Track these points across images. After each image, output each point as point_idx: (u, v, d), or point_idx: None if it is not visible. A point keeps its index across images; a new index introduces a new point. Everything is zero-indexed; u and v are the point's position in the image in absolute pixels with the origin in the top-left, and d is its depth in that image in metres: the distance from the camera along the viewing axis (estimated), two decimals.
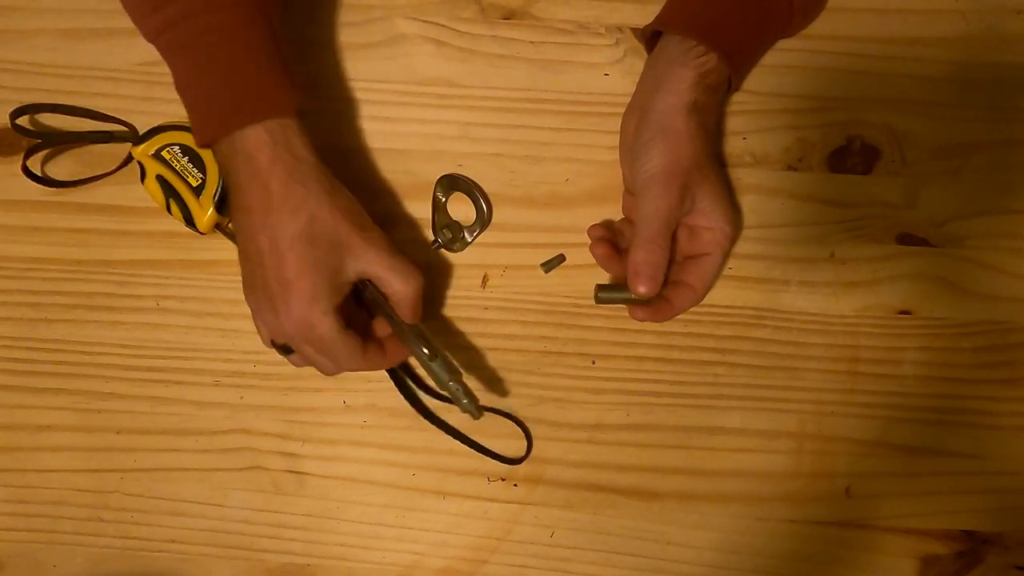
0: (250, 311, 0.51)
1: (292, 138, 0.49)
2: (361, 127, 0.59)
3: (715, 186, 0.53)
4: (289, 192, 0.48)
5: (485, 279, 0.58)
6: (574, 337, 0.57)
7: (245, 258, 0.50)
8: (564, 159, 0.58)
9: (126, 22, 0.60)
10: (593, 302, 0.54)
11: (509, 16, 0.60)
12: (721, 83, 0.54)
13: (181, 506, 0.57)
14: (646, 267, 0.51)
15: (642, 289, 0.50)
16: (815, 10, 0.58)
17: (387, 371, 0.55)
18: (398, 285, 0.50)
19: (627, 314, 0.57)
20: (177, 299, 0.58)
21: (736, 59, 0.54)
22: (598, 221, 0.57)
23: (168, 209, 0.56)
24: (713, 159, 0.53)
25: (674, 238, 0.52)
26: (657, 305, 0.53)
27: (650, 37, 0.56)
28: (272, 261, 0.48)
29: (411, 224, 0.58)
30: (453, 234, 0.57)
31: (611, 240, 0.54)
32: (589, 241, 0.55)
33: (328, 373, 0.52)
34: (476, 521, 0.56)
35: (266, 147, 0.48)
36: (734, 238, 0.55)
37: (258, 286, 0.49)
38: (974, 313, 0.57)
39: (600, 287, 0.54)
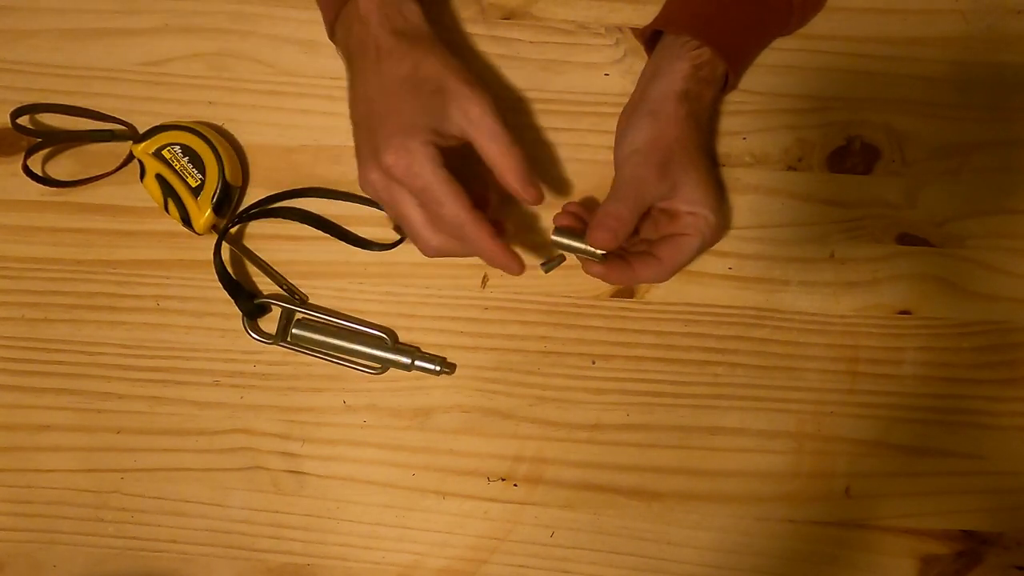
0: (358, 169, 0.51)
1: (404, 4, 0.51)
2: None
3: (702, 175, 0.52)
4: (396, 44, 0.50)
5: (485, 279, 0.58)
6: (574, 337, 0.57)
7: (355, 108, 0.51)
8: (564, 159, 0.58)
9: (126, 22, 0.60)
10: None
11: (509, 16, 0.60)
12: (716, 77, 0.54)
13: (181, 506, 0.57)
14: (607, 218, 0.50)
15: (598, 238, 0.49)
16: (814, 8, 0.58)
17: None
18: (496, 145, 0.49)
19: (627, 314, 0.57)
20: (177, 299, 0.58)
21: (733, 55, 0.54)
22: None
23: (166, 208, 0.56)
24: (703, 151, 0.53)
25: (653, 219, 0.52)
26: (615, 264, 0.52)
27: (650, 37, 0.56)
28: (379, 99, 0.49)
29: None
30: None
31: (580, 216, 0.54)
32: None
33: (425, 241, 0.49)
34: (476, 521, 0.56)
35: (376, 11, 0.50)
36: (717, 227, 0.53)
37: (362, 131, 0.50)
38: (974, 313, 0.57)
39: (558, 229, 0.53)
